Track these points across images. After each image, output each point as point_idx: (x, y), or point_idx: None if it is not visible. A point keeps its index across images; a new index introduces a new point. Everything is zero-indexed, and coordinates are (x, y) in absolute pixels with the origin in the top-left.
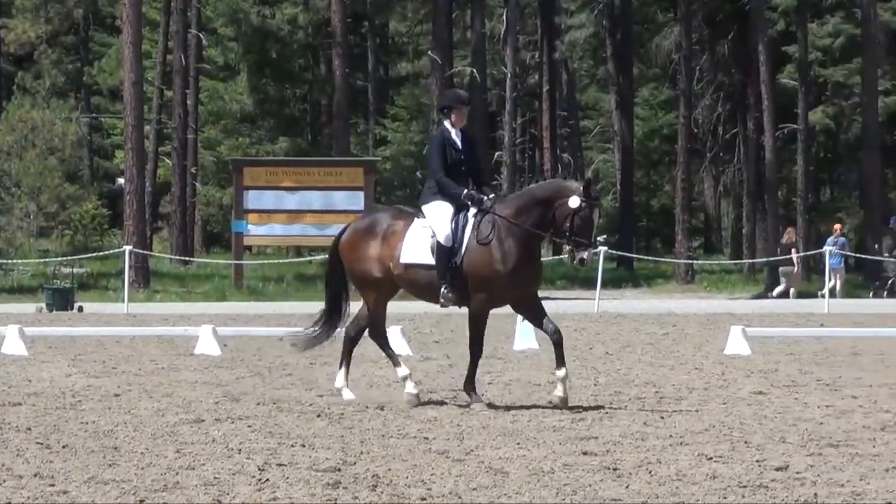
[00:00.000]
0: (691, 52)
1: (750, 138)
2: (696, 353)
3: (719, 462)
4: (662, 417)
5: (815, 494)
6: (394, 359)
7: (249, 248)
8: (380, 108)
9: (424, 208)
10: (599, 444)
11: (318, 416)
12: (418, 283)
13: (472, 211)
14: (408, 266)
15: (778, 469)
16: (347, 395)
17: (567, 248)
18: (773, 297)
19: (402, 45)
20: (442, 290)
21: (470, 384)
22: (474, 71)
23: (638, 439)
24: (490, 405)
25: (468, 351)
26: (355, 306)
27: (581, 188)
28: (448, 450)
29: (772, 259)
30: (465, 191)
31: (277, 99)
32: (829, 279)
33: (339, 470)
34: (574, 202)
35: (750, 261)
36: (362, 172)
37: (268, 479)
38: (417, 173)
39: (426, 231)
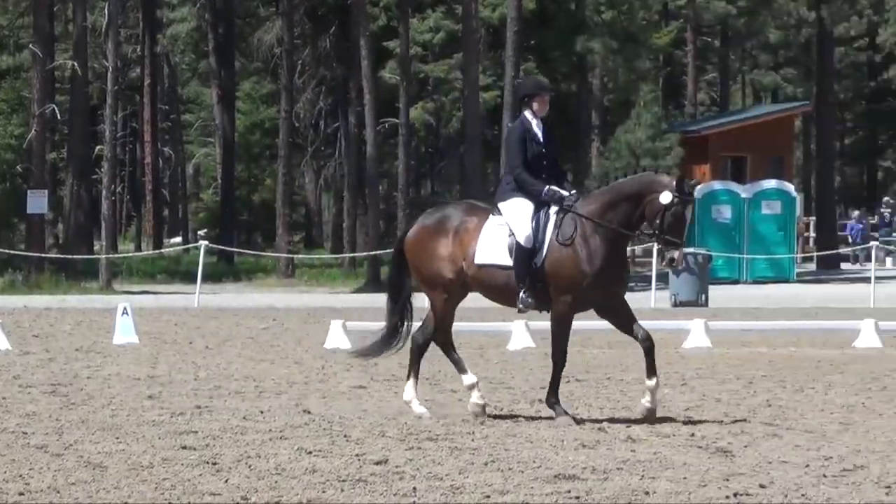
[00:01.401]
0: (293, 47)
1: (351, 133)
2: (297, 347)
3: (319, 456)
4: (262, 412)
5: (415, 489)
6: (460, 366)
7: None
8: None
9: (502, 206)
10: (199, 439)
11: None
12: (494, 285)
13: (553, 209)
14: (482, 266)
15: (377, 463)
16: (417, 408)
17: (656, 246)
18: None
19: (4, 38)
20: (521, 294)
21: (553, 395)
22: (75, 64)
23: (238, 433)
24: (576, 419)
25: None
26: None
27: (674, 183)
28: (47, 444)
29: (372, 253)
30: (547, 187)
31: None
32: None
33: None
34: (666, 198)
35: (351, 255)
36: None
37: None
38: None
39: (503, 229)
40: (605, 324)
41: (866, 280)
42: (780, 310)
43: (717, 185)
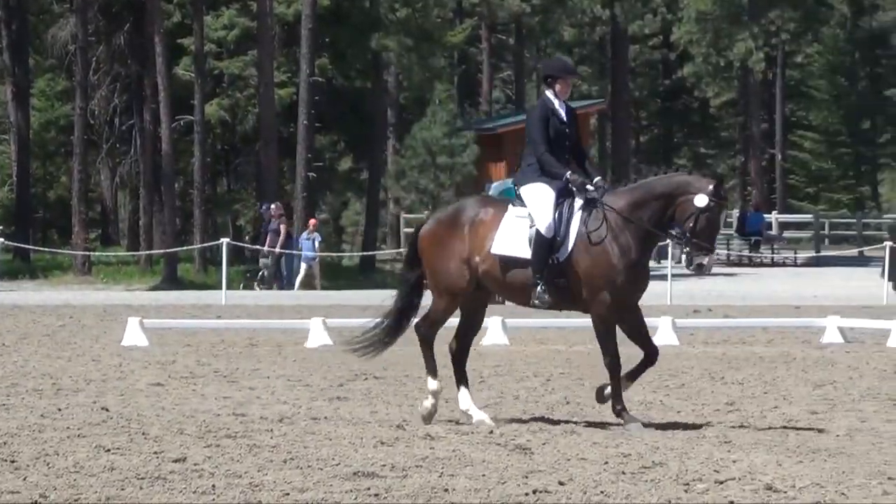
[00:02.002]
0: (87, 44)
1: (147, 130)
2: (94, 344)
3: (117, 454)
4: (60, 409)
5: (213, 486)
6: (431, 367)
7: None
8: None
9: (522, 190)
10: None
11: None
12: (508, 280)
13: (578, 202)
14: (499, 258)
15: (176, 461)
16: (478, 415)
17: (685, 250)
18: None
19: None
20: (538, 289)
21: (618, 402)
22: None
23: (35, 431)
24: (646, 424)
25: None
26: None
27: (711, 186)
28: None
29: (168, 250)
30: (569, 172)
31: None
32: (301, 272)
33: None
34: (702, 200)
35: (147, 252)
36: None
37: None
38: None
39: (523, 221)
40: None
41: (663, 278)
42: None
43: (513, 182)
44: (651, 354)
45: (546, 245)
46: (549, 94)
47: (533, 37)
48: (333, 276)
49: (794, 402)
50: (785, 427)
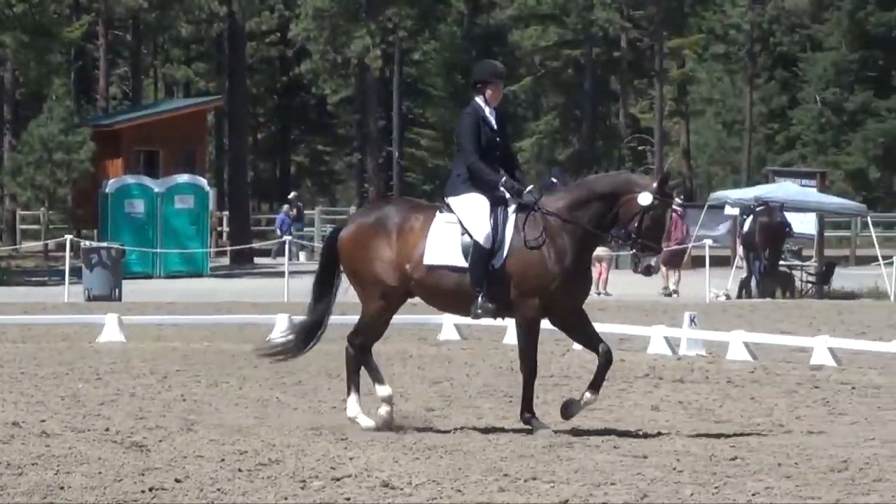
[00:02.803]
0: None
1: None
2: None
3: None
4: None
5: None
6: (376, 376)
7: None
8: None
9: (453, 201)
10: None
11: None
12: (443, 290)
13: (512, 207)
14: (432, 268)
15: None
16: (365, 421)
17: (632, 251)
18: None
19: None
20: (479, 299)
21: (528, 409)
22: None
23: None
24: (556, 431)
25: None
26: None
27: (655, 183)
28: None
29: None
30: (504, 178)
31: None
32: None
33: None
34: (646, 199)
35: None
36: None
37: None
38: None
39: (454, 227)
40: (23, 317)
41: (280, 275)
42: (194, 304)
43: (130, 179)
44: (605, 353)
45: (485, 256)
46: (479, 100)
47: (150, 32)
48: None
49: (410, 399)
50: (402, 424)
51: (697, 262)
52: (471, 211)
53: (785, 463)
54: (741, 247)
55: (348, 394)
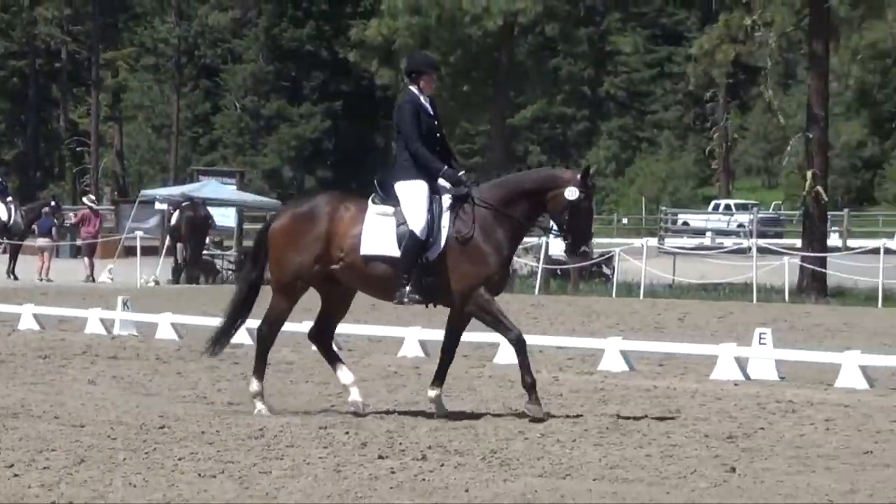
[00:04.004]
0: None
1: None
2: None
3: None
4: None
5: None
6: (260, 371)
7: None
8: None
9: (398, 187)
10: None
11: None
12: (373, 277)
13: (447, 200)
14: (368, 258)
15: None
16: (260, 405)
17: (565, 241)
18: None
19: None
20: (406, 288)
21: (528, 375)
22: None
23: None
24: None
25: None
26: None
27: (578, 178)
28: None
29: None
30: (445, 167)
31: None
32: None
33: None
34: (572, 193)
35: None
36: None
37: None
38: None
39: (387, 220)
40: None
41: None
42: None
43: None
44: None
45: (419, 246)
46: (413, 89)
47: None
48: None
49: None
50: None
51: (131, 252)
52: (412, 199)
53: (208, 431)
54: (169, 238)
55: (254, 374)
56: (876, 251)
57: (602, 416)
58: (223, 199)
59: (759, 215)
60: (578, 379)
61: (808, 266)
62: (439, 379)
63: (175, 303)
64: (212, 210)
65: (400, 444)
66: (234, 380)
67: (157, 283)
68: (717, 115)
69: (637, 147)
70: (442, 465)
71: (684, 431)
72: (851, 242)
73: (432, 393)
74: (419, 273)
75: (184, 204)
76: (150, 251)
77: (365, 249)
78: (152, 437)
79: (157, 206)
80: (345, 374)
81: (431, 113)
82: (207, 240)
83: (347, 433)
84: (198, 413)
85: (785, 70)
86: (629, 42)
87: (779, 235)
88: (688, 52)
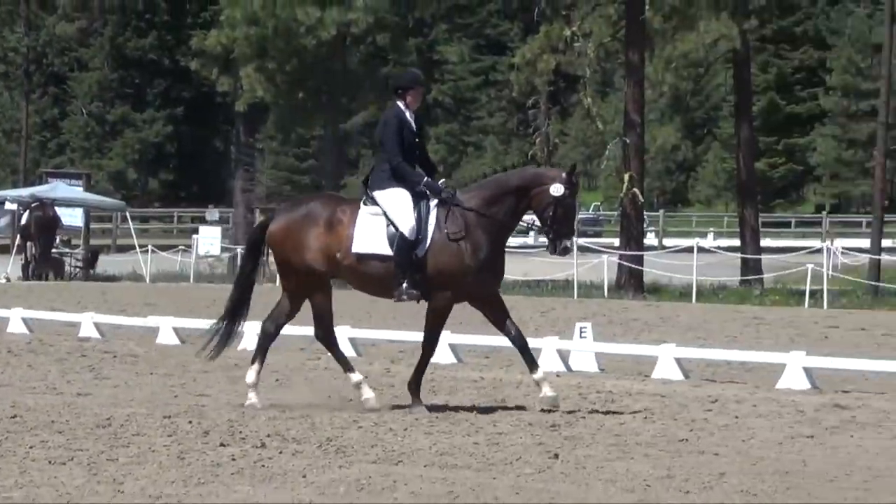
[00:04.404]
0: None
1: None
2: None
3: None
4: None
5: None
6: (345, 364)
7: None
8: None
9: (378, 195)
10: None
11: None
12: (371, 276)
13: (434, 201)
14: (360, 256)
15: None
16: (253, 397)
17: (548, 237)
18: None
19: None
20: (403, 285)
21: (416, 385)
22: None
23: None
24: (430, 408)
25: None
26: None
27: (563, 175)
28: None
29: None
30: (425, 178)
31: None
32: None
33: None
34: (557, 190)
35: None
36: None
37: None
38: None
39: (379, 219)
40: None
41: None
42: None
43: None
44: (513, 338)
45: (410, 246)
46: (400, 104)
47: None
48: None
49: None
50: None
51: None
52: (396, 204)
53: (58, 420)
54: (20, 237)
55: (252, 363)
56: (690, 250)
57: (432, 406)
58: (71, 199)
59: (580, 216)
60: (409, 371)
61: (625, 264)
62: (532, 363)
63: (25, 299)
64: (60, 210)
65: (240, 432)
66: (83, 371)
67: (7, 279)
68: (539, 121)
69: (464, 151)
70: (280, 453)
71: (510, 420)
72: (667, 241)
73: (537, 376)
74: (413, 271)
75: (33, 204)
76: (1, 249)
77: (357, 248)
78: (4, 427)
79: (8, 206)
80: (354, 374)
81: (415, 129)
82: (56, 238)
83: (191, 422)
84: (48, 403)
85: (603, 78)
86: (456, 52)
87: (598, 235)
88: (511, 61)
